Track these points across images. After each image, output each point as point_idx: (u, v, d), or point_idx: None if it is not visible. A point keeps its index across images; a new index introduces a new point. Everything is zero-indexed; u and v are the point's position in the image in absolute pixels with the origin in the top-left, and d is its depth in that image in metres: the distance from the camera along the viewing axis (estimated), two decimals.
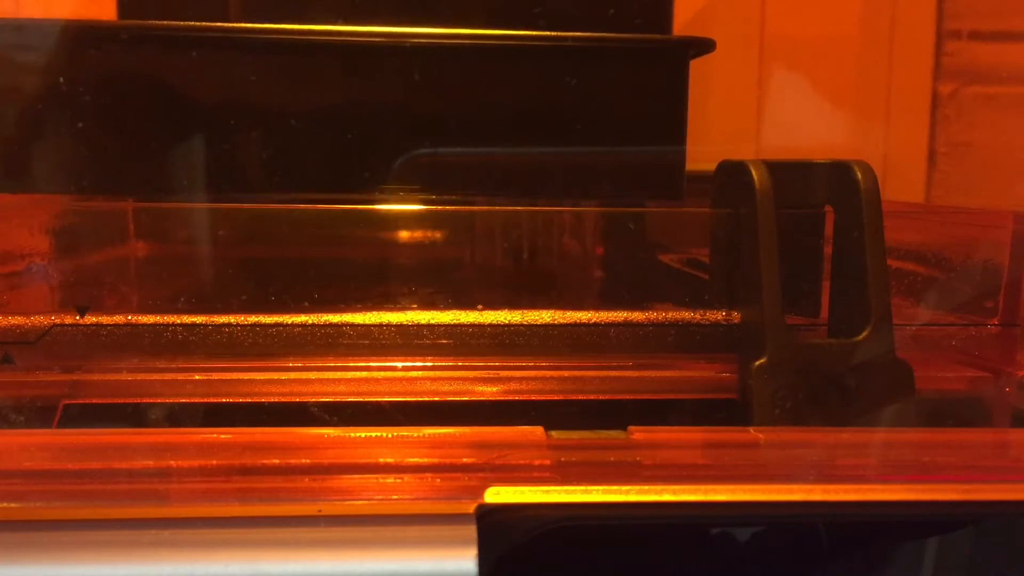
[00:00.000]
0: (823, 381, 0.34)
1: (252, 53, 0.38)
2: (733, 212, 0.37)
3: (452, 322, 0.36)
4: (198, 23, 0.38)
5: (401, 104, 0.39)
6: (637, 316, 0.37)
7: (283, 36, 0.38)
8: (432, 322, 0.36)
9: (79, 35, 0.37)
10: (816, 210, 0.37)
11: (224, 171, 0.38)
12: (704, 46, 0.41)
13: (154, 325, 0.35)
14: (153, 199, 0.39)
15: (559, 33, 0.39)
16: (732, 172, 0.37)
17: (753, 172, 0.35)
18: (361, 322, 0.36)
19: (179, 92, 0.38)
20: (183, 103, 0.38)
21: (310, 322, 0.35)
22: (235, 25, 0.39)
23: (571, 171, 0.40)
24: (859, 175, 0.35)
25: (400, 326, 0.36)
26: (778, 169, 0.36)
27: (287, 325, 0.35)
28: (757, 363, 0.34)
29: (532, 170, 0.40)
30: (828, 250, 0.37)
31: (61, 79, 0.37)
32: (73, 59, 0.37)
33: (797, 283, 0.37)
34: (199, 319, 0.35)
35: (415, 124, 0.39)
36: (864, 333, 0.34)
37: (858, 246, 0.35)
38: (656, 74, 0.40)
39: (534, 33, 0.39)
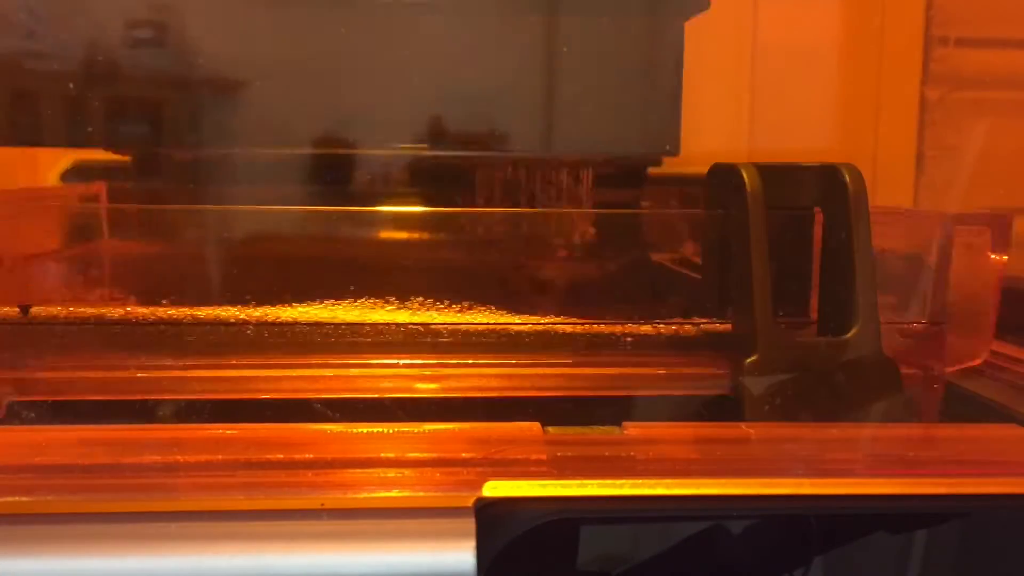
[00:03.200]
0: (812, 378, 0.35)
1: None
2: (725, 213, 0.37)
3: (451, 321, 0.36)
4: None
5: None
6: (632, 315, 0.37)
7: None
8: (432, 321, 0.36)
9: None
10: (805, 211, 0.38)
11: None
12: (698, 4, 0.42)
13: (155, 323, 0.35)
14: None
15: None
16: (724, 175, 0.38)
17: (744, 174, 0.36)
18: (362, 321, 0.36)
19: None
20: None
21: (312, 321, 0.36)
22: None
23: (578, 125, 0.41)
24: (847, 177, 0.36)
25: (400, 325, 0.36)
26: (768, 172, 0.36)
27: (290, 324, 0.36)
28: (748, 360, 0.35)
29: (541, 124, 0.41)
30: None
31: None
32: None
33: (787, 282, 0.37)
34: (204, 316, 0.35)
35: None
36: (852, 331, 0.35)
37: (845, 246, 0.36)
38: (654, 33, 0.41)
39: None
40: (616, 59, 0.41)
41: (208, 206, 0.38)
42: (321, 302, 0.37)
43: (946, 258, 0.39)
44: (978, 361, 0.38)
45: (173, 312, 0.36)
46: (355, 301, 0.37)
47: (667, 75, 0.42)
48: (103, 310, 0.36)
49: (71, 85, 0.39)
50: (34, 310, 0.35)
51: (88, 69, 0.40)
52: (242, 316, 0.36)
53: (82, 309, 0.36)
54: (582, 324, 0.37)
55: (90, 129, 0.41)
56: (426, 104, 0.42)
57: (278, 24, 0.41)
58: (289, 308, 0.36)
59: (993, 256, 0.39)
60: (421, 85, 0.41)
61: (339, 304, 0.37)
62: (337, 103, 0.41)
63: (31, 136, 0.41)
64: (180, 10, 0.40)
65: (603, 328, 0.38)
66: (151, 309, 0.36)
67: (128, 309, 0.36)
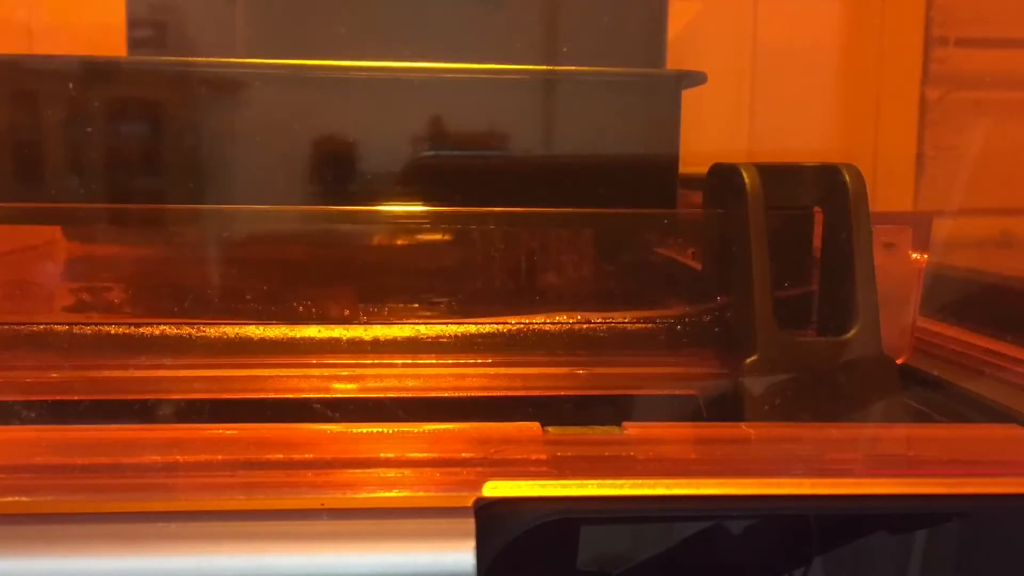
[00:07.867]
0: (812, 378, 0.35)
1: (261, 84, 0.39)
2: (724, 213, 0.37)
3: (450, 321, 0.36)
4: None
5: (413, 132, 0.40)
6: (632, 315, 0.37)
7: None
8: (431, 321, 0.36)
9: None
10: (805, 211, 0.38)
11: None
12: (696, 79, 0.42)
13: (155, 323, 0.36)
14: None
15: (568, 68, 0.40)
16: (724, 174, 0.38)
17: (744, 174, 0.36)
18: (361, 321, 0.36)
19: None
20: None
21: (312, 321, 0.36)
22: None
23: (579, 188, 0.41)
24: (847, 177, 0.36)
25: (400, 325, 0.36)
26: (768, 172, 0.37)
27: (290, 324, 0.36)
28: (748, 360, 0.35)
29: (539, 185, 0.41)
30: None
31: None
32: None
33: (787, 282, 0.37)
34: (203, 317, 0.35)
35: (427, 147, 0.40)
36: (852, 331, 0.35)
37: (845, 246, 0.36)
38: (652, 103, 0.41)
39: (545, 68, 0.41)
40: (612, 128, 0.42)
41: (208, 206, 0.38)
42: (320, 302, 0.37)
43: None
44: (900, 361, 0.38)
45: (173, 312, 0.36)
46: (354, 301, 0.37)
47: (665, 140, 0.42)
48: (101, 310, 0.36)
49: None
50: (34, 310, 0.35)
51: None
52: (242, 316, 0.36)
53: (81, 309, 0.36)
54: (582, 324, 0.37)
55: None
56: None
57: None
58: (288, 308, 0.36)
59: (915, 255, 0.39)
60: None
61: (338, 304, 0.37)
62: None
63: None
64: None
65: (603, 328, 0.38)
66: (151, 309, 0.36)
67: (127, 310, 0.36)
